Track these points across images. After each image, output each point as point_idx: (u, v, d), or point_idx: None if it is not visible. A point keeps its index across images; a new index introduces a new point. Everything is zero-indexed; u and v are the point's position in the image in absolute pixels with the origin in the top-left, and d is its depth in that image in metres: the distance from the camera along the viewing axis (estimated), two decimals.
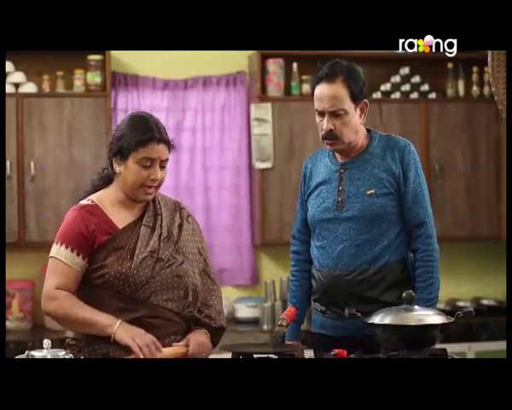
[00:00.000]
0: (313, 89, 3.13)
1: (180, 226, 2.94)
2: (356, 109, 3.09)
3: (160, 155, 2.82)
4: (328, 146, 3.14)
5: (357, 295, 3.07)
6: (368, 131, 3.21)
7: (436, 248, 3.12)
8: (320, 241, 3.18)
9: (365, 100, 3.13)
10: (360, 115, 3.12)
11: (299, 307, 3.20)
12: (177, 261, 2.87)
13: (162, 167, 2.85)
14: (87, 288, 2.84)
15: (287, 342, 2.98)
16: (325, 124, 3.08)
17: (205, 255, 3.00)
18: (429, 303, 2.98)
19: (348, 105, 3.07)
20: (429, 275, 3.08)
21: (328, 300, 3.15)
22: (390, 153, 3.14)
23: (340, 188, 3.14)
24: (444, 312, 2.76)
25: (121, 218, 2.88)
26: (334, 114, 3.07)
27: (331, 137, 3.09)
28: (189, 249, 2.94)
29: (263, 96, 5.38)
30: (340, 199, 3.13)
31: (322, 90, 3.09)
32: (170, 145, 2.86)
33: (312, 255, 3.22)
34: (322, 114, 3.10)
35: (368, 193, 3.10)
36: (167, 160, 2.86)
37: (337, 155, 3.19)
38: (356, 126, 3.11)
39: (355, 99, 3.08)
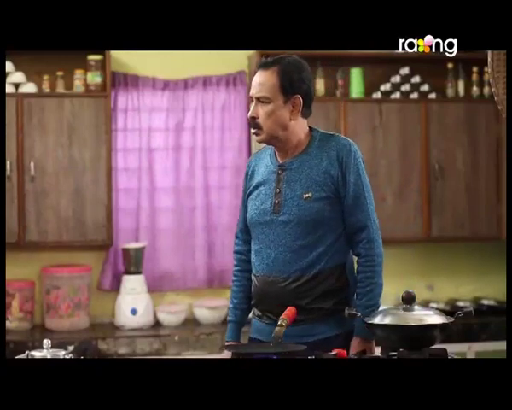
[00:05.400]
0: None
1: None
2: (286, 103, 2.97)
3: None
4: (254, 136, 3.05)
5: (292, 302, 2.91)
6: (310, 129, 3.07)
7: (379, 253, 2.98)
8: (257, 245, 3.06)
9: (299, 96, 2.98)
10: (291, 111, 2.99)
11: (240, 308, 3.14)
12: None
13: None
14: None
15: (226, 343, 2.91)
16: (250, 111, 3.02)
17: None
18: (368, 310, 2.85)
19: (274, 95, 2.96)
20: (370, 281, 2.96)
21: (264, 306, 3.04)
22: (329, 154, 2.99)
23: (278, 190, 3.02)
24: (444, 312, 2.76)
25: None
26: (259, 101, 2.98)
27: (254, 125, 3.01)
28: None
29: None
30: (277, 202, 3.01)
31: (255, 77, 3.03)
32: None
33: (251, 259, 3.10)
34: (252, 101, 3.02)
35: (304, 197, 2.97)
36: None
37: (277, 155, 3.08)
38: (282, 120, 2.98)
39: (285, 91, 2.96)
